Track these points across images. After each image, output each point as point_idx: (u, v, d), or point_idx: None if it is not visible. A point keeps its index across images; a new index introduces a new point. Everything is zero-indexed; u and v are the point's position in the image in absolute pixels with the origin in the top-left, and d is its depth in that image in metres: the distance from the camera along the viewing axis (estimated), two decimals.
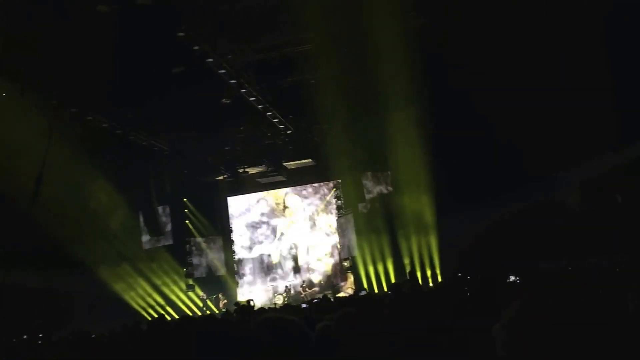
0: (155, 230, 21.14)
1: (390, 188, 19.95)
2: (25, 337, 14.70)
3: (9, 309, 16.68)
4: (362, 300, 9.74)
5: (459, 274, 13.98)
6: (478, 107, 14.61)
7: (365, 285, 19.51)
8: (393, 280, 18.13)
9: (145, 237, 21.46)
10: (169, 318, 17.07)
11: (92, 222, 18.92)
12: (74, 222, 18.13)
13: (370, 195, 19.95)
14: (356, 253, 20.28)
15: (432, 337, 4.25)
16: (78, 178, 17.67)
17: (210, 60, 13.31)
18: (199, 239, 23.22)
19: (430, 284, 17.74)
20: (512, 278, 11.08)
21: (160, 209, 21.52)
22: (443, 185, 17.03)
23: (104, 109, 16.28)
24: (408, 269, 17.90)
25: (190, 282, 22.43)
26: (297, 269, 23.08)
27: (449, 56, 13.80)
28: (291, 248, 23.32)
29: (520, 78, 13.85)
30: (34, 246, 17.29)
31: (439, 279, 18.06)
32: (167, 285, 20.91)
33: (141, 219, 21.27)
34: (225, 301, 21.91)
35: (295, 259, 23.26)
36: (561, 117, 14.12)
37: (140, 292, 20.43)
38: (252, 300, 20.77)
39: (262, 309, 14.79)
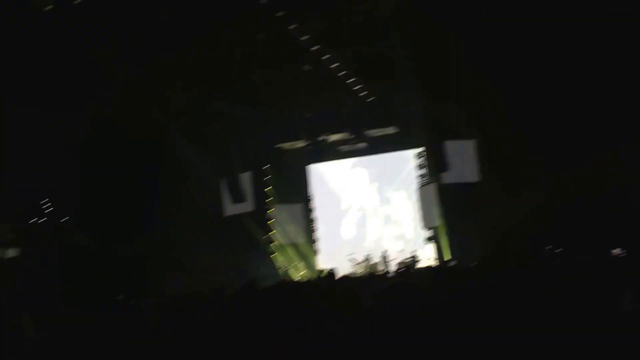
0: (237, 197, 21.32)
1: (474, 157, 19.35)
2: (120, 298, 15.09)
3: (98, 271, 17.34)
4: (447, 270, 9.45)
5: (548, 248, 13.45)
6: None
7: (448, 257, 19.11)
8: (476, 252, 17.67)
9: (227, 204, 21.70)
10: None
11: (176, 187, 19.31)
12: (158, 188, 18.60)
13: (454, 164, 19.37)
14: (438, 223, 19.84)
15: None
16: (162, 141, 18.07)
17: (294, 25, 13.12)
18: (279, 207, 23.28)
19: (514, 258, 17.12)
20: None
21: (241, 176, 21.66)
22: (531, 153, 16.29)
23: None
24: (492, 240, 17.37)
25: (271, 249, 22.56)
26: (376, 238, 22.90)
27: None
28: (370, 217, 23.13)
29: None
30: (120, 209, 17.86)
31: (526, 253, 17.41)
32: (247, 253, 21.11)
33: (223, 185, 21.50)
34: (304, 271, 21.96)
35: (373, 228, 23.07)
36: None
37: (222, 258, 20.75)
38: (333, 269, 20.86)
39: (345, 276, 14.68)
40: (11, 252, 18.37)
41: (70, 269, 17.14)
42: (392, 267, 20.78)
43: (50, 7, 12.46)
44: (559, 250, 12.80)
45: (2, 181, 16.11)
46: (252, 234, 21.80)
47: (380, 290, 2.56)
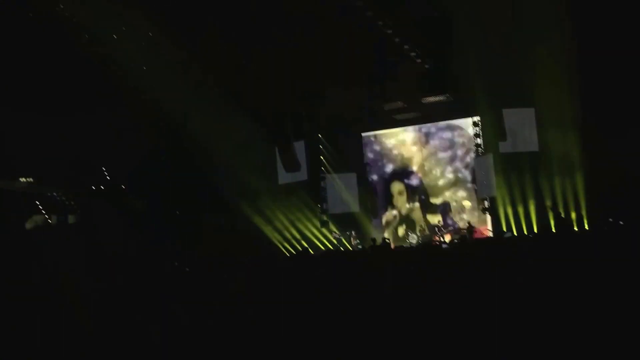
0: (291, 165, 21.32)
1: (533, 125, 18.78)
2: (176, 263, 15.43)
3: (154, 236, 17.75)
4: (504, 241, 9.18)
5: (610, 219, 13.00)
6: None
7: (505, 228, 18.73)
8: (534, 223, 17.29)
9: (281, 172, 21.75)
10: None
11: (232, 155, 19.49)
12: (216, 155, 18.84)
13: (512, 133, 18.84)
14: (495, 193, 19.39)
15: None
16: (220, 112, 18.23)
17: None
18: (334, 175, 23.18)
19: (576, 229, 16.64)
20: None
21: (296, 144, 21.63)
22: (591, 121, 15.67)
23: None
24: (552, 212, 16.95)
25: (325, 218, 22.56)
26: (431, 208, 22.64)
27: None
28: (425, 186, 22.83)
29: None
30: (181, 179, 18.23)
31: (585, 225, 16.91)
32: (302, 221, 21.20)
33: (277, 154, 21.53)
34: (358, 240, 21.88)
35: (428, 197, 22.79)
36: None
37: (278, 225, 20.92)
38: (387, 239, 20.78)
39: (400, 246, 14.61)
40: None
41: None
42: (448, 237, 20.56)
43: None
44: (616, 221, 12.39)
45: None
46: (307, 202, 21.84)
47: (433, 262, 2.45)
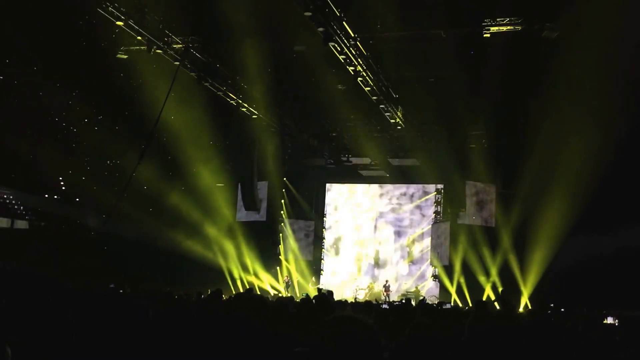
0: (251, 204, 21.22)
1: (494, 201, 19.15)
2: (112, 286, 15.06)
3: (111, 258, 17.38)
4: (445, 312, 9.23)
5: (552, 305, 13.18)
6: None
7: (455, 297, 18.85)
8: (484, 297, 17.44)
9: (240, 210, 21.63)
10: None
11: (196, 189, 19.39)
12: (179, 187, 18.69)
13: (473, 206, 19.15)
14: (447, 262, 19.58)
15: None
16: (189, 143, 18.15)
17: (333, 44, 13.06)
18: (292, 220, 23.18)
19: (521, 310, 16.81)
20: (610, 320, 10.28)
21: (259, 184, 21.56)
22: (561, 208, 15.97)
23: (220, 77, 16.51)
24: (500, 289, 17.13)
25: (277, 261, 22.47)
26: (382, 267, 22.73)
27: None
28: (379, 245, 22.96)
29: None
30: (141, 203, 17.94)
31: (529, 306, 17.10)
32: (254, 262, 21.01)
33: (239, 191, 21.41)
34: (307, 287, 21.79)
35: (381, 257, 22.90)
36: None
37: (229, 262, 20.65)
38: (331, 291, 20.66)
39: (344, 301, 14.55)
40: None
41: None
42: (393, 298, 20.57)
43: None
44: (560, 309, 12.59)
45: None
46: (261, 243, 21.69)
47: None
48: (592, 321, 8.63)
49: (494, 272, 18.14)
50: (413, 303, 13.36)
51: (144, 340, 3.18)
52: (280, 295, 19.34)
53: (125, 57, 15.13)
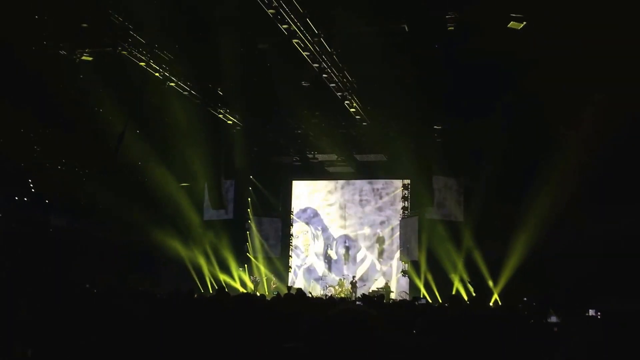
0: (218, 203, 21.01)
1: (461, 195, 19.22)
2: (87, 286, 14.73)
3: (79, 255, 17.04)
4: (419, 307, 9.18)
5: (525, 299, 13.24)
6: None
7: (424, 293, 18.88)
8: (453, 292, 17.49)
9: (207, 209, 21.43)
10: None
11: (163, 185, 19.06)
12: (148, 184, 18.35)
13: (440, 201, 19.19)
14: (417, 257, 19.62)
15: None
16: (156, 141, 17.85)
17: (296, 40, 12.94)
18: (259, 218, 23.03)
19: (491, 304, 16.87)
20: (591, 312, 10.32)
21: (226, 182, 21.37)
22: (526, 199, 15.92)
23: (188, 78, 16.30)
24: (471, 283, 17.22)
25: (246, 259, 22.30)
26: (351, 264, 22.71)
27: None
28: (348, 242, 22.94)
29: None
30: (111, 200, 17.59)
31: (499, 302, 17.15)
32: (222, 260, 20.82)
33: (206, 190, 21.21)
34: (276, 285, 21.73)
35: (350, 253, 22.88)
36: None
37: (197, 261, 20.43)
38: (300, 288, 20.62)
39: (317, 298, 14.47)
40: None
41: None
42: (360, 294, 20.55)
43: None
44: (529, 304, 12.62)
45: None
46: (228, 242, 21.49)
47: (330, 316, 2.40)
48: (570, 314, 8.66)
49: (461, 266, 18.19)
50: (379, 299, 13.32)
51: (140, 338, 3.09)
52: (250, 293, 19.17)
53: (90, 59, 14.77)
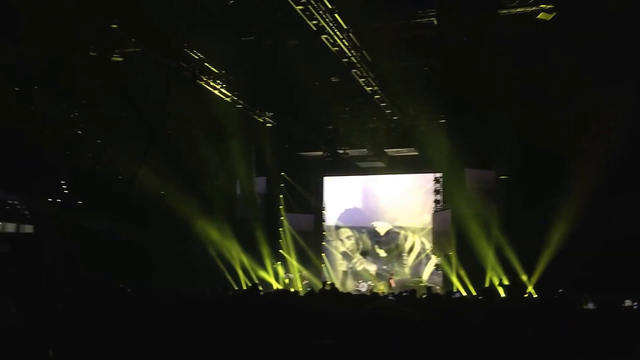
0: (250, 200, 21.16)
1: (494, 188, 19.02)
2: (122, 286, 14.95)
3: (106, 257, 17.26)
4: (453, 301, 9.17)
5: (560, 290, 13.04)
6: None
7: (458, 287, 18.74)
8: (487, 285, 17.32)
9: (240, 206, 21.57)
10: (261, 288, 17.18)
11: (195, 184, 19.21)
12: (177, 183, 18.53)
13: (473, 194, 19.00)
14: (449, 251, 19.48)
15: None
16: (185, 141, 18.02)
17: (325, 36, 12.96)
18: (291, 215, 23.12)
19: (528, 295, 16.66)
20: (628, 302, 10.13)
21: (257, 179, 21.51)
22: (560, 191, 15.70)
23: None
24: (505, 276, 17.03)
25: (279, 255, 22.40)
26: (385, 259, 22.68)
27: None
28: (380, 237, 22.91)
29: None
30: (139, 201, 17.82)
31: (533, 294, 16.94)
32: (254, 257, 20.92)
33: (238, 187, 21.36)
34: (307, 281, 21.79)
35: (383, 248, 22.85)
36: None
37: (230, 259, 20.56)
38: (333, 283, 20.71)
39: (348, 293, 14.53)
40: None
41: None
42: (396, 289, 20.53)
43: None
44: (567, 294, 12.42)
45: None
46: (261, 238, 21.60)
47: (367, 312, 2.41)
48: (609, 304, 8.51)
49: (494, 259, 17.98)
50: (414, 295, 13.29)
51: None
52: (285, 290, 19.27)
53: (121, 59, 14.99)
